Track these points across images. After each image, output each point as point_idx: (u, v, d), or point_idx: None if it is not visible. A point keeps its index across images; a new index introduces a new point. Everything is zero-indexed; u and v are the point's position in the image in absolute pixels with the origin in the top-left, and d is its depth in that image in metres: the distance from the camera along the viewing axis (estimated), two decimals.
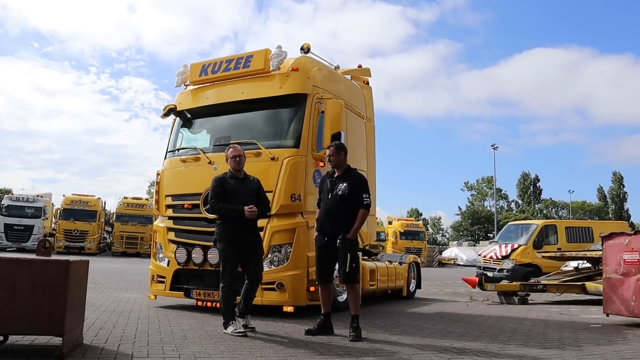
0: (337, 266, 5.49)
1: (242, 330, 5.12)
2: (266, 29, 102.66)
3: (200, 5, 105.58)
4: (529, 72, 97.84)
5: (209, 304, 6.83)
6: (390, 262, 9.82)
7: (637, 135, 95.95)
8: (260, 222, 5.97)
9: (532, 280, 11.25)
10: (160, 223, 7.53)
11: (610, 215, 68.63)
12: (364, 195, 5.34)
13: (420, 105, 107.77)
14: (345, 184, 5.36)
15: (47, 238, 11.79)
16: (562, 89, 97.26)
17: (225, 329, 5.16)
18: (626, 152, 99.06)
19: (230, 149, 5.62)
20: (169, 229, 7.31)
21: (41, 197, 29.58)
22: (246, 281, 5.48)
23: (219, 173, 5.89)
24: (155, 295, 7.43)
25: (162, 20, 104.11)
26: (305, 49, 7.46)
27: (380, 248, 31.44)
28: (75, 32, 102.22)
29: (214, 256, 6.64)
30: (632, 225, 47.89)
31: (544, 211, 72.36)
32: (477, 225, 70.48)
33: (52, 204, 32.13)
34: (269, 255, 6.49)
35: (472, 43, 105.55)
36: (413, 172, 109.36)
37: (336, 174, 5.51)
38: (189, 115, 7.90)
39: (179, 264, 7.01)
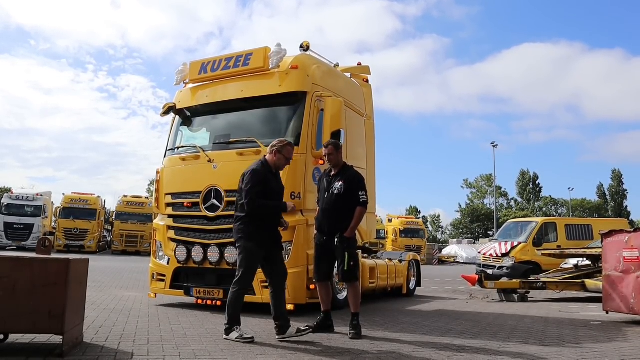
0: (336, 264, 5.49)
1: (249, 336, 4.61)
2: (251, 25, 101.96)
3: (183, 0, 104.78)
4: (518, 68, 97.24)
5: (209, 302, 6.84)
6: (390, 259, 9.81)
7: (631, 132, 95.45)
8: None
9: (531, 278, 11.26)
10: (160, 221, 7.53)
11: (610, 213, 68.67)
12: (360, 193, 5.31)
13: (411, 102, 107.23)
14: (341, 183, 5.34)
15: (47, 237, 11.79)
16: (553, 85, 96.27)
17: (228, 335, 4.65)
18: (621, 149, 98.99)
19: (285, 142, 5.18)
20: (169, 227, 7.32)
21: (41, 195, 29.67)
22: (274, 279, 4.96)
23: (253, 166, 5.05)
24: (155, 294, 7.43)
25: (147, 17, 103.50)
26: (305, 47, 7.46)
27: (380, 246, 31.48)
28: (59, 29, 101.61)
29: (214, 254, 6.65)
30: (631, 222, 48.00)
31: (544, 209, 72.38)
32: (477, 222, 70.51)
33: (52, 202, 32.20)
34: None
35: (459, 38, 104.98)
36: (409, 170, 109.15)
37: (332, 172, 5.49)
38: (188, 114, 7.89)
39: (179, 262, 7.01)
